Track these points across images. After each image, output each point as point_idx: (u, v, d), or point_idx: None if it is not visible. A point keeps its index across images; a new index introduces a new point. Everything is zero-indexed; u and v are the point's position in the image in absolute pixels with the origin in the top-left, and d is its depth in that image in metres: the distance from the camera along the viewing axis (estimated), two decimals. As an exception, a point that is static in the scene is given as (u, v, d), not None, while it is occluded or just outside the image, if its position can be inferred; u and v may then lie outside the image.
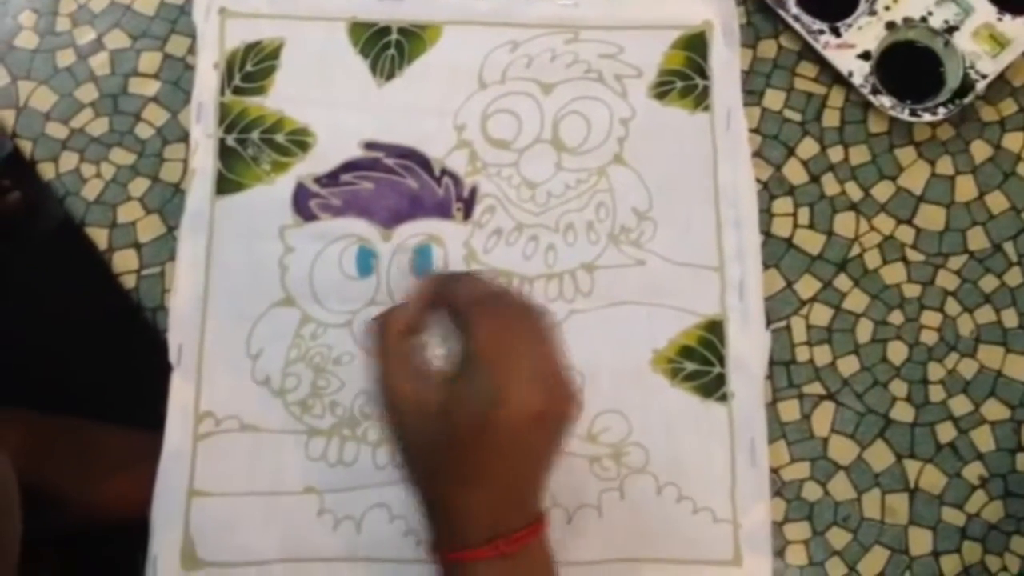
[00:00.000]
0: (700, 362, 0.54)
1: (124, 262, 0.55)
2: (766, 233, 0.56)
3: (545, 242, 0.55)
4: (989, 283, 0.56)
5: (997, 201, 0.57)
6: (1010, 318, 0.55)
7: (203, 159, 0.55)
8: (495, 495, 0.42)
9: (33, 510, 0.58)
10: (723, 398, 0.53)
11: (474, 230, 0.55)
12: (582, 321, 0.54)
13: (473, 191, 0.56)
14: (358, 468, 0.52)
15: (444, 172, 0.56)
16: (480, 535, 0.41)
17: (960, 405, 0.54)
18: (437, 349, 0.43)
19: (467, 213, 0.56)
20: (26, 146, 0.56)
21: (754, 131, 0.58)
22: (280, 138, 0.56)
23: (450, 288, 0.44)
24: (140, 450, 0.54)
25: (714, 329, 0.54)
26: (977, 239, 0.57)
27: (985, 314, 0.56)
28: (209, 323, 0.53)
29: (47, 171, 0.56)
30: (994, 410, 0.54)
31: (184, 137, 0.56)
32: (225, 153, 0.56)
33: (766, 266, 0.56)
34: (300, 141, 0.56)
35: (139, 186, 0.56)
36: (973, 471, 0.53)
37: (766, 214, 0.57)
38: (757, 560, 0.51)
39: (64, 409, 0.66)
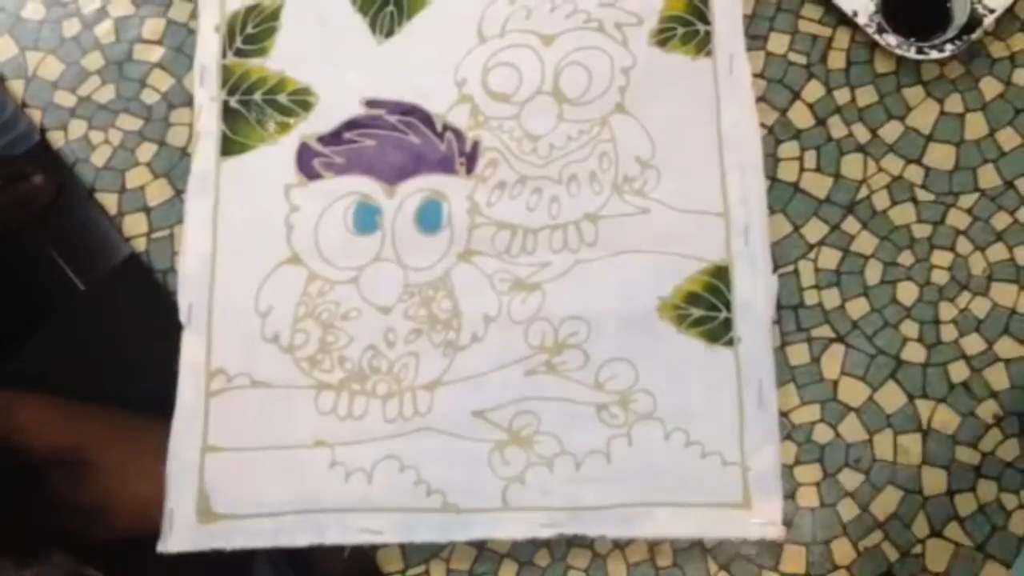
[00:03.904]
0: (706, 308, 0.53)
1: (134, 226, 0.56)
2: (772, 178, 0.56)
3: (549, 194, 0.55)
4: (1001, 220, 0.55)
5: (1008, 137, 0.56)
6: (1023, 255, 0.55)
7: (207, 122, 0.56)
8: None
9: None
10: (730, 343, 0.53)
11: (477, 184, 0.56)
12: (587, 271, 0.54)
13: (475, 145, 0.56)
14: (367, 421, 0.52)
15: (446, 127, 0.56)
16: None
17: (973, 344, 0.54)
18: None
19: (470, 167, 0.56)
20: (35, 115, 0.57)
21: (758, 75, 0.57)
22: (282, 98, 0.57)
23: None
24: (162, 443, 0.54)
25: (720, 274, 0.54)
26: (988, 176, 0.56)
27: (997, 252, 0.55)
28: (218, 283, 0.54)
29: (56, 139, 0.57)
30: (1008, 348, 0.54)
31: (189, 101, 0.57)
32: (229, 115, 0.56)
33: (773, 211, 0.55)
34: (302, 101, 0.57)
35: (146, 151, 0.57)
36: (987, 410, 0.53)
37: (772, 158, 0.56)
38: (767, 502, 0.51)
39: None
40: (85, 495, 0.61)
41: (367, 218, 0.55)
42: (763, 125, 0.56)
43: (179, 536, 0.50)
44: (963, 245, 0.55)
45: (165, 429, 0.53)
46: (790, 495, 0.52)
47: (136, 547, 0.55)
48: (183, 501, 0.51)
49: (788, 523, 0.51)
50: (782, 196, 0.56)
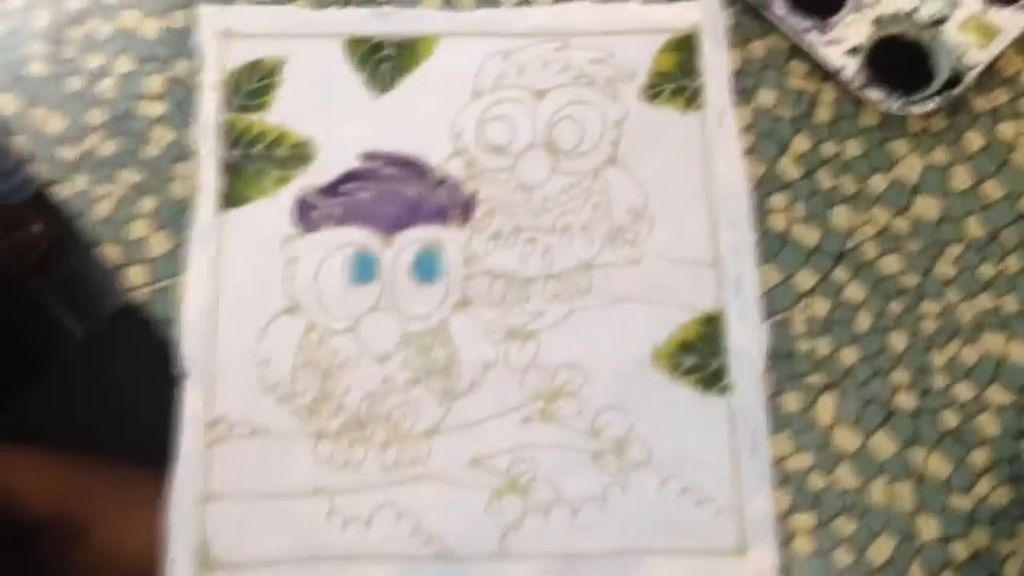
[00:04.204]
0: (699, 356, 0.54)
1: (136, 277, 0.56)
2: (763, 229, 0.57)
3: (543, 243, 0.56)
4: (987, 271, 0.56)
5: (993, 189, 0.58)
6: (1010, 304, 0.56)
7: (208, 175, 0.57)
8: None
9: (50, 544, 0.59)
10: (723, 391, 0.54)
11: (473, 234, 0.57)
12: (582, 320, 0.55)
13: (471, 196, 0.57)
14: (365, 469, 0.53)
15: (442, 179, 0.57)
16: None
17: (963, 392, 0.54)
18: None
19: (466, 217, 0.57)
20: (40, 169, 0.58)
21: (747, 129, 0.59)
22: (282, 152, 0.58)
23: None
24: (163, 494, 0.54)
25: (712, 323, 0.55)
26: (974, 228, 0.57)
27: (985, 301, 0.56)
28: (219, 333, 0.55)
29: (60, 192, 0.58)
30: (998, 395, 0.54)
31: (189, 155, 0.58)
32: (229, 169, 0.57)
33: (764, 260, 0.56)
34: (301, 154, 0.58)
35: (148, 204, 0.58)
36: (979, 457, 0.53)
37: (761, 210, 0.58)
38: (762, 550, 0.51)
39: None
40: (79, 559, 0.60)
41: (365, 268, 0.56)
42: (752, 177, 0.58)
43: (178, 586, 0.50)
44: (952, 293, 0.56)
45: (162, 480, 0.53)
46: (785, 543, 0.52)
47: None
48: (184, 550, 0.51)
49: (784, 571, 0.51)
50: (772, 246, 0.57)
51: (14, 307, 1.33)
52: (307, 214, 0.57)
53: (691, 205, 0.57)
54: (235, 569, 0.51)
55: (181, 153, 0.59)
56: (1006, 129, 0.59)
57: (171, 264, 0.57)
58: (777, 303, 0.56)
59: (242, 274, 0.56)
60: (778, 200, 0.58)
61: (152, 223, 0.57)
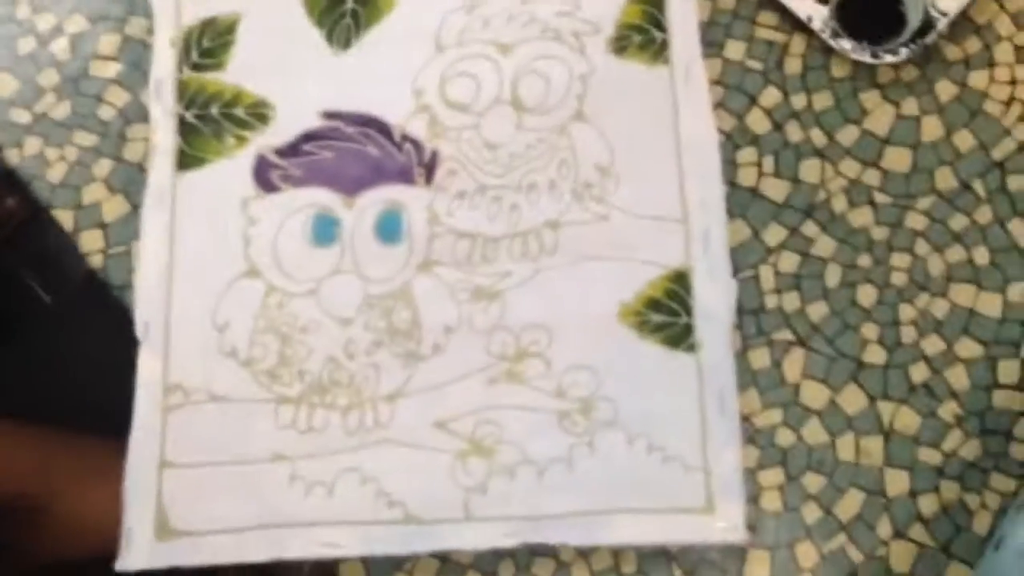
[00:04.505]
0: (667, 313, 0.53)
1: (91, 242, 0.55)
2: (731, 183, 0.56)
3: (508, 202, 0.55)
4: (959, 222, 0.55)
5: (964, 140, 0.57)
6: (981, 256, 0.55)
7: (164, 136, 0.56)
8: None
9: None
10: (691, 348, 0.53)
11: (437, 194, 0.55)
12: (548, 279, 0.54)
13: (434, 155, 0.56)
14: (328, 434, 0.52)
15: (405, 138, 0.56)
16: None
17: (933, 345, 0.54)
18: None
19: (429, 177, 0.56)
20: (-11, 133, 0.57)
21: (716, 82, 0.58)
22: (239, 112, 0.56)
23: None
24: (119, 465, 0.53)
25: (680, 280, 0.54)
26: (945, 179, 0.56)
27: (956, 253, 0.55)
28: (175, 298, 0.54)
29: (12, 156, 0.56)
30: (968, 348, 0.54)
31: (146, 116, 0.57)
32: (185, 129, 0.56)
33: (732, 216, 0.55)
34: (259, 114, 0.56)
35: (103, 167, 0.56)
36: (948, 410, 0.53)
37: (730, 164, 0.56)
38: (730, 506, 0.50)
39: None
40: (42, 535, 0.60)
41: (326, 230, 0.55)
42: (721, 131, 0.57)
43: (137, 554, 0.49)
44: (921, 247, 0.55)
45: (121, 448, 0.52)
46: (753, 499, 0.52)
47: (98, 570, 0.55)
48: (141, 518, 0.50)
49: (752, 527, 0.51)
50: (741, 201, 0.56)
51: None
52: (266, 175, 0.56)
53: (659, 160, 0.56)
54: (194, 537, 0.50)
55: (136, 115, 0.57)
56: (978, 78, 0.57)
57: (127, 228, 0.55)
58: (745, 258, 0.55)
59: (199, 237, 0.54)
60: (747, 154, 0.57)
61: (107, 187, 0.56)
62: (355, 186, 0.55)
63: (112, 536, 0.51)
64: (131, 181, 0.56)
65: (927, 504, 0.52)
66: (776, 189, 0.56)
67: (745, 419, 0.52)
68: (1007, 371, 0.53)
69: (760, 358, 0.54)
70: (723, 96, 0.58)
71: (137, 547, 0.50)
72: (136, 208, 0.55)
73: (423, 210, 0.55)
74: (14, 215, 1.40)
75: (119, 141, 0.57)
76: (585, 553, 0.52)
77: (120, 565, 0.49)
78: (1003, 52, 0.57)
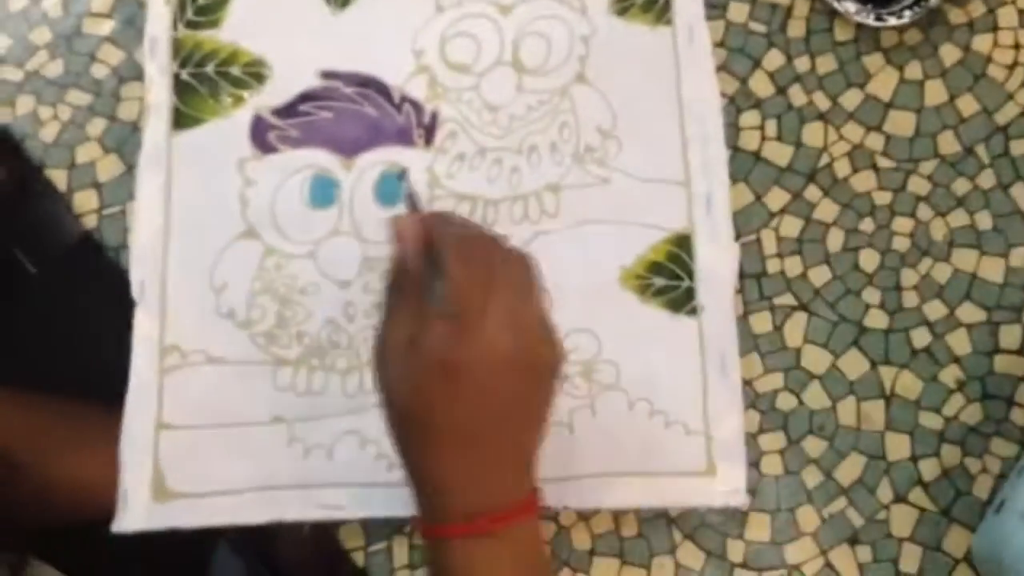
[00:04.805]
0: (669, 277, 0.53)
1: (84, 202, 0.54)
2: (733, 147, 0.56)
3: (509, 165, 0.55)
4: (962, 186, 0.55)
5: (968, 104, 0.56)
6: (984, 220, 0.55)
7: (159, 95, 0.55)
8: (475, 461, 0.40)
9: None
10: (693, 312, 0.53)
11: (437, 156, 0.55)
12: (549, 242, 0.54)
13: (434, 117, 0.55)
14: (327, 397, 0.51)
15: (404, 99, 0.55)
16: (460, 509, 0.39)
17: (935, 310, 0.54)
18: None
19: (428, 139, 0.55)
20: (-19, 91, 0.56)
21: (719, 45, 0.57)
22: (235, 71, 0.56)
23: (433, 228, 0.41)
24: (111, 428, 0.53)
25: (682, 243, 0.53)
26: (948, 143, 0.56)
27: (958, 218, 0.55)
28: (171, 258, 0.53)
29: (4, 115, 0.55)
30: (969, 313, 0.53)
31: (140, 75, 0.56)
32: (181, 88, 0.55)
33: (734, 180, 0.55)
34: (256, 73, 0.55)
35: (97, 126, 0.56)
36: (950, 375, 0.53)
37: (733, 128, 0.56)
38: (731, 470, 0.50)
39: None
40: (17, 494, 0.59)
41: (324, 191, 0.54)
42: (724, 94, 0.56)
43: (134, 515, 0.49)
44: (924, 211, 0.55)
45: (111, 411, 0.51)
46: (754, 463, 0.51)
47: (89, 533, 0.54)
48: (137, 480, 0.50)
49: (752, 491, 0.51)
50: (743, 165, 0.55)
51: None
52: (264, 136, 0.55)
53: (661, 123, 0.55)
54: (191, 499, 0.50)
55: (131, 73, 0.56)
56: (982, 42, 0.57)
57: (121, 189, 0.55)
58: (748, 223, 0.55)
59: (195, 198, 0.54)
60: (750, 117, 0.56)
61: (101, 146, 0.55)
62: (354, 147, 0.55)
63: (103, 501, 0.51)
64: (125, 141, 0.55)
65: (928, 468, 0.52)
66: (779, 153, 0.56)
67: (746, 383, 0.52)
68: (1009, 336, 0.53)
69: (762, 322, 0.53)
70: (726, 59, 0.57)
71: (134, 508, 0.49)
72: (131, 168, 0.55)
73: (423, 172, 0.55)
74: (4, 185, 1.38)
75: (113, 100, 0.56)
76: (586, 516, 0.51)
77: (117, 526, 0.49)
78: (1007, 16, 0.57)
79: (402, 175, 0.53)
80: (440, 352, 0.37)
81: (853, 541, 0.51)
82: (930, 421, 0.52)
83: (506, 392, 0.39)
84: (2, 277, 1.18)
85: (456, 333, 0.37)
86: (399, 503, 0.49)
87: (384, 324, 0.41)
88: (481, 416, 0.39)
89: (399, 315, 0.40)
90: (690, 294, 0.53)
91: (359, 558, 0.50)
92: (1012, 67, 0.56)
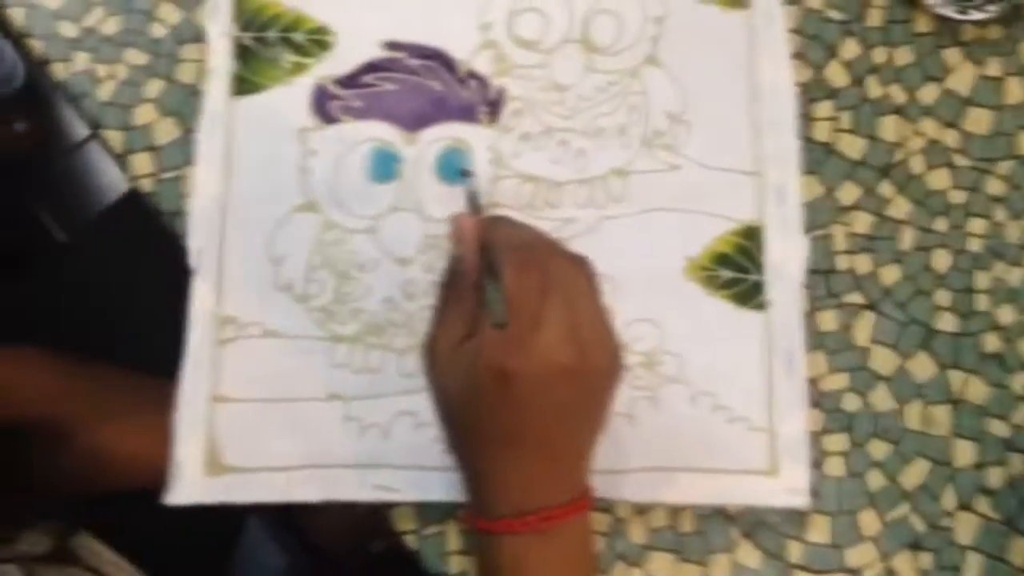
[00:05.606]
0: (736, 269, 0.52)
1: (141, 165, 0.53)
2: (806, 138, 0.54)
3: (575, 147, 0.53)
4: (1039, 189, 0.54)
5: (1048, 104, 0.55)
6: (1060, 225, 0.53)
7: (220, 59, 0.53)
8: (527, 462, 0.40)
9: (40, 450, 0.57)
10: (760, 306, 0.51)
11: (501, 134, 0.53)
12: (613, 228, 0.52)
13: (500, 93, 0.54)
14: (384, 375, 0.50)
15: (470, 73, 0.54)
16: (511, 506, 0.40)
17: (1006, 314, 0.52)
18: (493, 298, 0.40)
19: (493, 116, 0.53)
20: (37, 46, 0.54)
21: (794, 31, 0.55)
22: (299, 37, 0.54)
23: (490, 232, 0.41)
24: (156, 399, 0.52)
25: (751, 235, 0.52)
26: (1026, 144, 0.54)
27: (1034, 221, 0.53)
28: (229, 227, 0.51)
29: (59, 71, 0.54)
30: (1042, 320, 0.52)
31: (198, 37, 0.54)
32: (242, 53, 0.54)
33: (805, 172, 0.53)
34: (319, 40, 0.54)
35: (154, 87, 0.54)
36: (1019, 382, 0.52)
37: (806, 118, 0.54)
38: (794, 470, 0.49)
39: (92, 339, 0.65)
40: (66, 461, 0.58)
41: (386, 166, 0.53)
42: (797, 83, 0.54)
43: (186, 488, 0.48)
44: (999, 213, 0.53)
45: (162, 382, 0.50)
46: (817, 464, 0.50)
47: (132, 502, 0.53)
48: (191, 452, 0.49)
49: (814, 492, 0.49)
50: (815, 157, 0.54)
51: (-5, 209, 1.28)
52: (325, 105, 0.53)
53: (733, 110, 0.54)
54: (245, 474, 0.49)
55: (190, 34, 0.55)
56: (1066, 41, 0.55)
57: (179, 153, 0.53)
58: (818, 217, 0.53)
59: (255, 166, 0.52)
60: (824, 108, 0.55)
61: (158, 108, 0.54)
62: (417, 122, 0.53)
63: (151, 472, 0.50)
64: (183, 103, 0.54)
65: (994, 476, 0.51)
66: (852, 146, 0.54)
67: (811, 382, 0.51)
68: (1082, 345, 0.52)
69: (829, 320, 0.52)
70: (801, 46, 0.55)
71: (187, 481, 0.48)
72: (188, 132, 0.53)
73: (486, 150, 0.53)
74: (25, 139, 1.36)
75: (171, 61, 0.54)
76: (643, 510, 0.50)
77: (169, 499, 0.48)
78: (1094, 15, 0.55)
79: (466, 173, 0.52)
80: (493, 360, 0.37)
81: (915, 547, 0.50)
82: (997, 428, 0.51)
83: (560, 400, 0.39)
84: (27, 245, 1.17)
85: (510, 341, 0.37)
86: (455, 488, 0.48)
87: (436, 323, 0.41)
88: (534, 422, 0.39)
89: (452, 316, 0.41)
90: (758, 288, 0.51)
91: (412, 541, 0.49)
92: (1096, 69, 0.54)
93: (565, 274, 0.40)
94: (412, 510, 0.50)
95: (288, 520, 0.74)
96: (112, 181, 1.11)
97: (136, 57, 0.54)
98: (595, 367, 0.39)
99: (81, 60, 0.54)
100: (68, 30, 0.55)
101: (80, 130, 1.20)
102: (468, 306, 0.40)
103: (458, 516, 0.50)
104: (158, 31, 0.55)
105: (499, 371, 0.37)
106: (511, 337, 0.37)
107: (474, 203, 0.47)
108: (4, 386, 0.58)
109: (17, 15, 0.54)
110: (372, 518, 0.50)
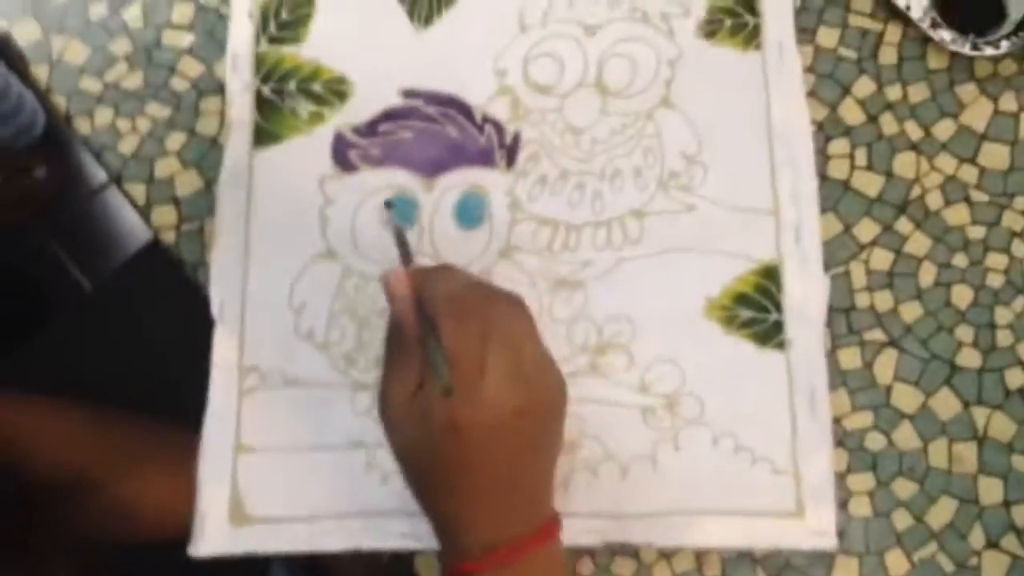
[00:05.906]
0: (756, 309, 0.52)
1: (163, 217, 0.54)
2: (822, 176, 0.54)
3: (592, 189, 0.54)
4: (1058, 223, 0.54)
5: (1064, 138, 0.55)
6: (1081, 259, 0.53)
7: (240, 111, 0.54)
8: (490, 500, 0.40)
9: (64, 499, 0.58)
10: (780, 346, 0.51)
11: (518, 178, 0.54)
12: (631, 269, 0.53)
13: (516, 138, 0.54)
14: (406, 422, 0.50)
15: (486, 119, 0.54)
16: (477, 545, 0.40)
17: (1029, 350, 0.52)
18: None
19: (510, 161, 0.54)
20: (60, 101, 0.55)
21: (808, 70, 0.56)
22: (317, 87, 0.55)
23: (423, 287, 0.42)
24: (180, 449, 0.52)
25: (770, 275, 0.52)
26: (1044, 178, 0.54)
27: (1054, 255, 0.53)
28: (251, 277, 0.52)
29: (82, 126, 0.55)
30: (1065, 354, 0.52)
31: (219, 89, 0.55)
32: (262, 104, 0.54)
33: (823, 210, 0.54)
34: (337, 90, 0.55)
35: (176, 140, 0.55)
36: (1044, 418, 0.51)
37: (822, 156, 0.55)
38: (821, 511, 0.49)
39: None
40: (91, 515, 0.59)
41: (404, 213, 0.53)
42: (812, 121, 0.55)
43: (211, 540, 0.48)
44: (1019, 247, 0.53)
45: (183, 431, 0.51)
46: (842, 504, 0.50)
47: (153, 551, 0.53)
48: (215, 503, 0.49)
49: (840, 533, 0.49)
50: (832, 194, 0.54)
51: (17, 256, 1.30)
52: (344, 154, 0.54)
53: (749, 149, 0.54)
54: (270, 524, 0.49)
55: (210, 87, 0.56)
56: (1081, 74, 0.55)
57: (200, 204, 0.54)
58: (836, 254, 0.53)
59: (275, 216, 0.53)
60: (839, 146, 0.55)
61: (180, 160, 0.55)
62: (434, 168, 0.54)
63: (168, 521, 0.50)
64: (204, 155, 0.54)
65: (1021, 514, 0.50)
66: (869, 183, 0.54)
67: (835, 421, 0.51)
68: (1108, 379, 0.51)
69: (850, 358, 0.52)
70: (815, 84, 0.56)
71: (211, 532, 0.48)
72: (209, 183, 0.54)
73: (504, 194, 0.53)
74: (45, 186, 1.38)
75: (192, 114, 0.55)
76: (668, 554, 0.50)
77: (194, 550, 0.48)
78: (1108, 48, 0.55)
79: (389, 204, 0.52)
80: (443, 415, 0.38)
81: (944, 588, 0.49)
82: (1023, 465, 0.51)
83: (513, 440, 0.40)
84: (52, 292, 1.18)
85: (458, 395, 0.38)
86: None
87: (386, 378, 0.42)
88: (492, 465, 0.40)
89: (400, 371, 0.41)
90: (778, 327, 0.51)
91: (435, 589, 0.49)
92: (1112, 101, 0.54)
93: (503, 317, 0.40)
94: (433, 557, 0.50)
95: (311, 567, 0.74)
96: (133, 226, 1.13)
97: (158, 110, 0.55)
98: (543, 401, 0.41)
99: (104, 114, 0.55)
100: (91, 85, 0.56)
101: (100, 174, 1.21)
102: (415, 359, 0.41)
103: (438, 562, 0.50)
104: (179, 84, 0.56)
105: (450, 425, 0.38)
106: (458, 390, 0.38)
107: (401, 238, 0.47)
108: (29, 436, 0.58)
109: (41, 72, 0.56)
110: (395, 565, 0.50)
